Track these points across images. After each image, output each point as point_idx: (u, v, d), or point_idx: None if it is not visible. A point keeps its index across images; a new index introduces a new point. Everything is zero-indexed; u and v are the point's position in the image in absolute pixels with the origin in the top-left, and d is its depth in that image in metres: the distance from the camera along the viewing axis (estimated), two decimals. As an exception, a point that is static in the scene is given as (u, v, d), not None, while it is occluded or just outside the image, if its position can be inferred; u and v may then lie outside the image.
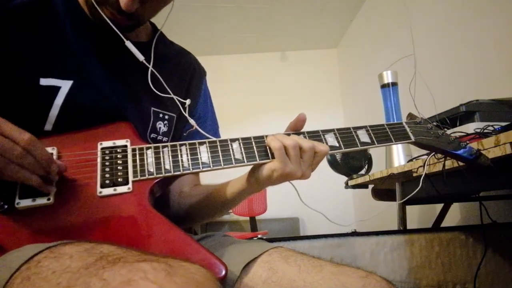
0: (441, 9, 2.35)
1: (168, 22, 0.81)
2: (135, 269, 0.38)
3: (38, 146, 0.53)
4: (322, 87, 4.44)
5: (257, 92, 4.39)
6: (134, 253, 0.44)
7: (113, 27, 0.69)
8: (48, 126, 0.65)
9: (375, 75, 1.85)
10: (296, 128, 0.71)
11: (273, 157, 0.66)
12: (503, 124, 1.08)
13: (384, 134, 0.75)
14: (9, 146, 0.50)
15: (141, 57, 0.74)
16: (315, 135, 0.71)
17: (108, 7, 0.68)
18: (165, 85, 0.76)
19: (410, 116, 0.83)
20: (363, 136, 0.73)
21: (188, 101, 0.80)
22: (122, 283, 0.36)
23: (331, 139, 0.71)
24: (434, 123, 0.81)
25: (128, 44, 0.73)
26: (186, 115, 0.79)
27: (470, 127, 1.17)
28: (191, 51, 0.93)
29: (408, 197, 1.05)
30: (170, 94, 0.76)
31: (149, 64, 0.75)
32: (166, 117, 0.80)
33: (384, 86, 1.79)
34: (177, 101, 0.78)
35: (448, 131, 1.19)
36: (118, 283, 0.36)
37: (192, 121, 0.79)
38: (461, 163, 1.00)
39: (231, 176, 0.75)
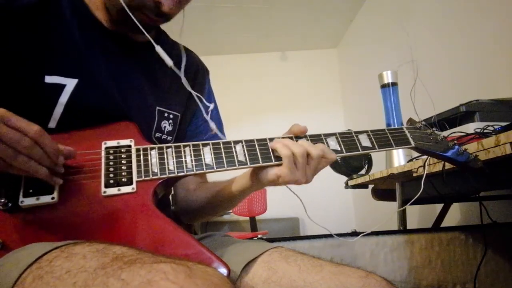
0: (440, 9, 2.35)
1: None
2: (155, 270, 0.38)
3: (46, 137, 0.53)
4: (322, 87, 4.44)
5: (257, 92, 4.39)
6: (148, 254, 0.44)
7: (145, 33, 0.70)
8: (52, 124, 0.66)
9: (375, 75, 1.85)
10: (296, 135, 0.71)
11: (276, 160, 0.66)
12: (503, 124, 1.08)
13: (385, 139, 0.75)
14: (18, 137, 0.50)
15: (170, 62, 0.75)
16: (317, 139, 0.72)
17: (145, 11, 0.69)
18: (190, 90, 0.78)
19: (410, 121, 0.84)
20: (365, 141, 0.74)
21: (212, 105, 0.82)
22: (142, 283, 0.36)
23: (333, 143, 0.72)
24: (434, 129, 0.81)
25: (158, 49, 0.74)
26: (208, 118, 0.80)
27: (470, 127, 1.17)
28: (191, 51, 0.93)
29: (411, 201, 1.05)
30: (197, 99, 0.78)
31: (180, 69, 0.77)
32: (171, 116, 0.80)
33: (384, 86, 1.79)
34: (201, 106, 0.80)
35: (448, 131, 1.19)
36: (138, 283, 0.37)
37: (212, 125, 0.81)
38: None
39: (235, 174, 0.76)
